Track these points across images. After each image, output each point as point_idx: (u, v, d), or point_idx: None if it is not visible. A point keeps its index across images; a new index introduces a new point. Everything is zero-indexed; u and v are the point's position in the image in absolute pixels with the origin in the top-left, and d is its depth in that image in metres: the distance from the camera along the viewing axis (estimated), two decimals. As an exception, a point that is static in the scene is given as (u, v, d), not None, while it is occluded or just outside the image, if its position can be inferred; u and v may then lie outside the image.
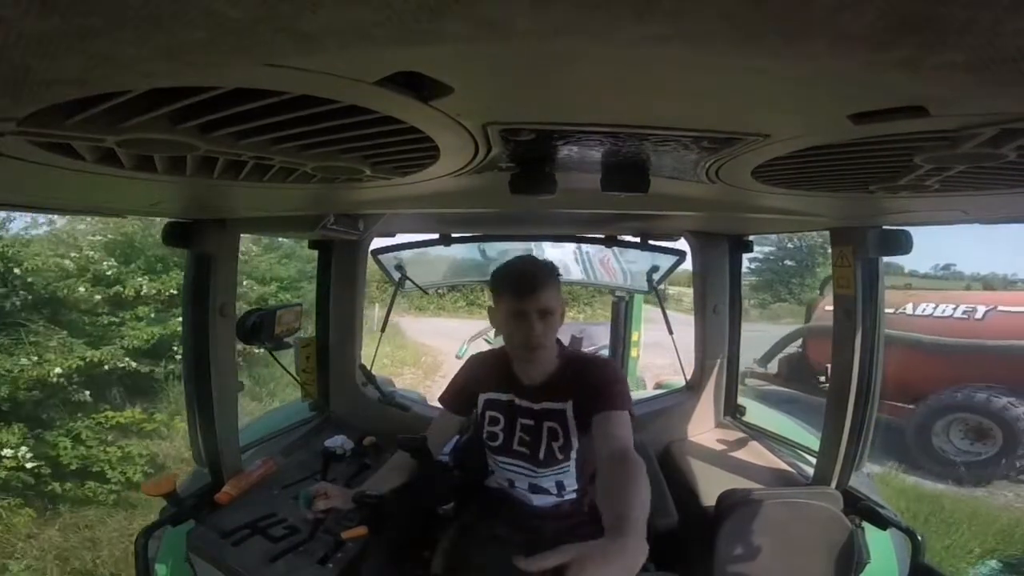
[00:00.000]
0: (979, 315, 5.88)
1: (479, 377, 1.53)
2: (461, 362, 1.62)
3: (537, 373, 1.42)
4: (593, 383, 1.33)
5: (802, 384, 6.98)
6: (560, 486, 1.42)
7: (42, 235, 6.57)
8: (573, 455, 1.39)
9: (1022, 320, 5.55)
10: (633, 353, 5.38)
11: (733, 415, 2.30)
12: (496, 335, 7.45)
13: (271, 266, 7.88)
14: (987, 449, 5.45)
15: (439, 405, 1.61)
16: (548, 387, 1.41)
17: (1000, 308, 5.84)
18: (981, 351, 5.56)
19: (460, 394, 1.54)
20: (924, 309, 6.25)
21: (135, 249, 6.63)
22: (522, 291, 1.32)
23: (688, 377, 2.40)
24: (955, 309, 6.11)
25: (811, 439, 1.96)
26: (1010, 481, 5.33)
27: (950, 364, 5.65)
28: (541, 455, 1.40)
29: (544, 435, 1.40)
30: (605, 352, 5.78)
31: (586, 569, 0.85)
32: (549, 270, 1.38)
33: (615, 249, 2.99)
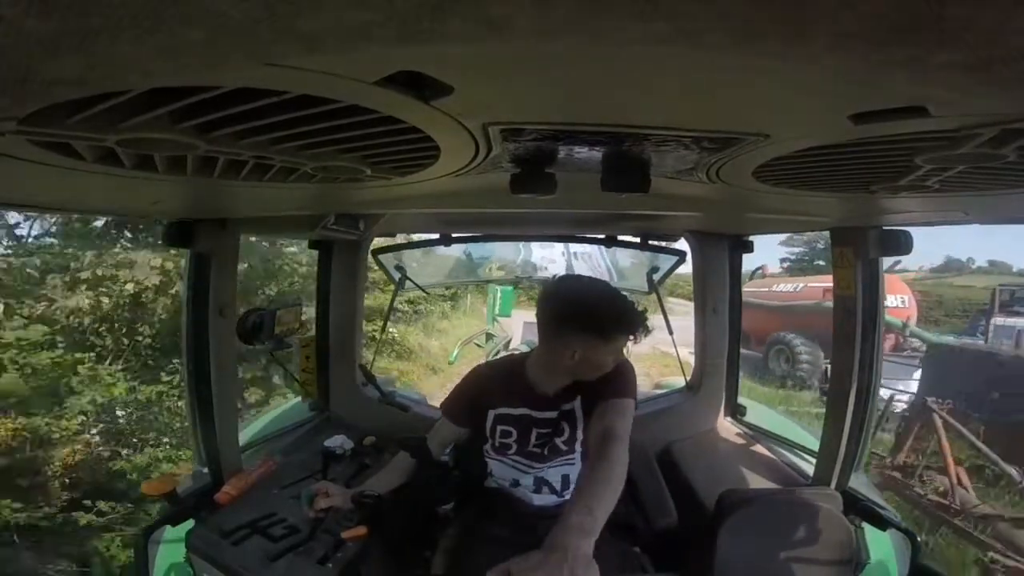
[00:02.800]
0: (799, 289, 10.68)
1: (488, 392, 1.47)
2: (455, 367, 1.62)
3: (560, 383, 1.41)
4: (600, 377, 1.33)
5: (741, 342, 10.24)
6: (565, 481, 1.43)
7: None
8: (578, 447, 1.40)
9: (815, 290, 9.70)
10: None
11: (733, 415, 2.30)
12: (488, 340, 7.49)
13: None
14: (789, 368, 9.50)
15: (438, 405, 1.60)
16: (564, 391, 1.41)
17: (809, 284, 10.53)
18: (790, 309, 10.07)
19: (465, 407, 1.50)
20: (780, 287, 11.18)
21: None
22: (636, 330, 1.30)
23: (689, 375, 2.40)
24: (793, 286, 11.02)
25: (811, 439, 1.96)
26: (819, 387, 8.20)
27: (779, 318, 9.96)
28: (547, 451, 1.41)
29: (562, 432, 1.41)
30: None
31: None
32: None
33: (601, 248, 3.00)
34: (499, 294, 7.68)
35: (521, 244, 3.36)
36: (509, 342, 7.46)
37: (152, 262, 5.93)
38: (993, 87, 0.37)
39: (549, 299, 1.35)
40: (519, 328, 8.06)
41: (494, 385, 1.47)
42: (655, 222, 1.99)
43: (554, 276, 1.51)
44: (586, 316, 1.29)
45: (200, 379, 1.43)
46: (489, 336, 7.64)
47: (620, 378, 1.33)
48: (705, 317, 2.23)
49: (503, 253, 3.35)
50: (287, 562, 1.26)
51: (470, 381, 1.55)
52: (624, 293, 1.38)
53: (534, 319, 1.43)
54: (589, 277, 1.47)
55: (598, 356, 1.29)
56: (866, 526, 1.48)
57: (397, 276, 2.46)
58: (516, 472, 1.46)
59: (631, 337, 1.31)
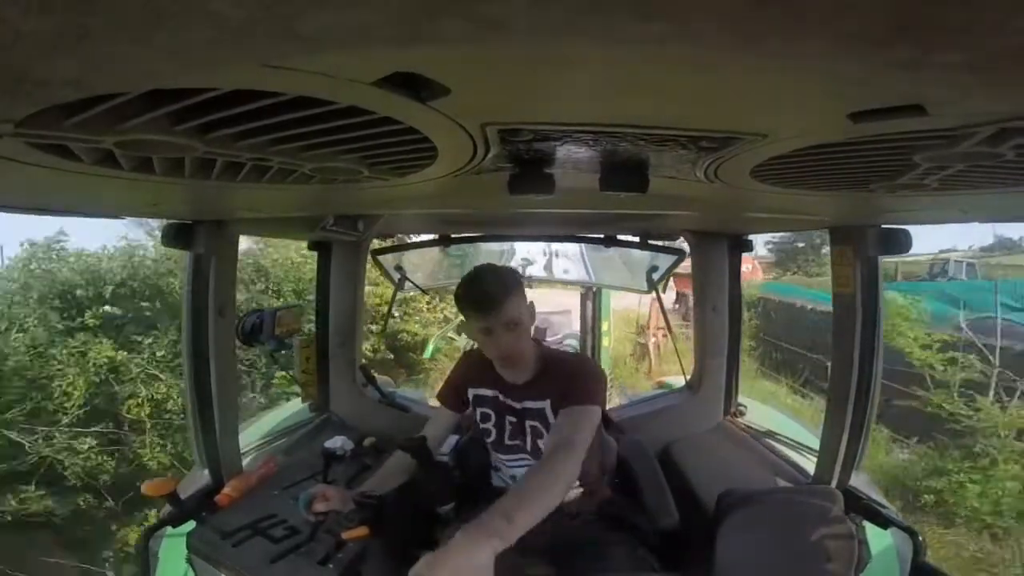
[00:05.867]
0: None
1: (469, 374, 1.55)
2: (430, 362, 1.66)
3: (518, 374, 1.43)
4: (568, 380, 1.33)
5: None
6: None
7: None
8: None
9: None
10: (604, 342, 5.52)
11: (733, 415, 2.30)
12: (459, 332, 7.60)
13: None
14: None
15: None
16: (529, 386, 1.42)
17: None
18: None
19: (454, 391, 1.57)
20: None
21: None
22: (483, 309, 1.31)
23: (688, 376, 2.40)
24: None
25: (811, 438, 1.96)
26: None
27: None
28: (529, 448, 1.42)
29: (528, 432, 1.42)
30: (573, 342, 5.80)
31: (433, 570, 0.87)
32: (508, 280, 1.36)
33: (582, 247, 3.03)
34: None
35: (506, 244, 3.41)
36: None
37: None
38: (992, 87, 0.37)
39: None
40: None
41: (475, 367, 1.54)
42: (654, 222, 1.99)
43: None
44: (457, 298, 1.40)
45: (200, 380, 1.43)
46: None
47: (587, 383, 1.32)
48: (704, 316, 2.23)
49: (489, 253, 3.41)
50: (288, 563, 1.26)
51: (457, 366, 1.64)
52: (510, 270, 1.43)
53: None
54: (494, 265, 1.50)
55: (475, 334, 1.38)
56: (867, 524, 1.48)
57: (396, 276, 2.47)
58: (511, 468, 1.47)
59: (477, 316, 1.32)
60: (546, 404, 1.39)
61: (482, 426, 1.49)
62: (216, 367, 1.42)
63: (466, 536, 0.92)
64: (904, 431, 5.70)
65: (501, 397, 1.46)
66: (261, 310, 1.79)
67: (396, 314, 6.86)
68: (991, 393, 5.06)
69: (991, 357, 5.21)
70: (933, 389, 5.27)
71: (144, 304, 4.88)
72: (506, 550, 1.34)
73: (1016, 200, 0.89)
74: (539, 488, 1.04)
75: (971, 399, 4.98)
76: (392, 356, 7.05)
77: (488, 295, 1.32)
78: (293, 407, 2.42)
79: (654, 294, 2.69)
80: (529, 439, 1.42)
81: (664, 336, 9.91)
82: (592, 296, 4.82)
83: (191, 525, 1.38)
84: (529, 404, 1.41)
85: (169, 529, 1.40)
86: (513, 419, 1.44)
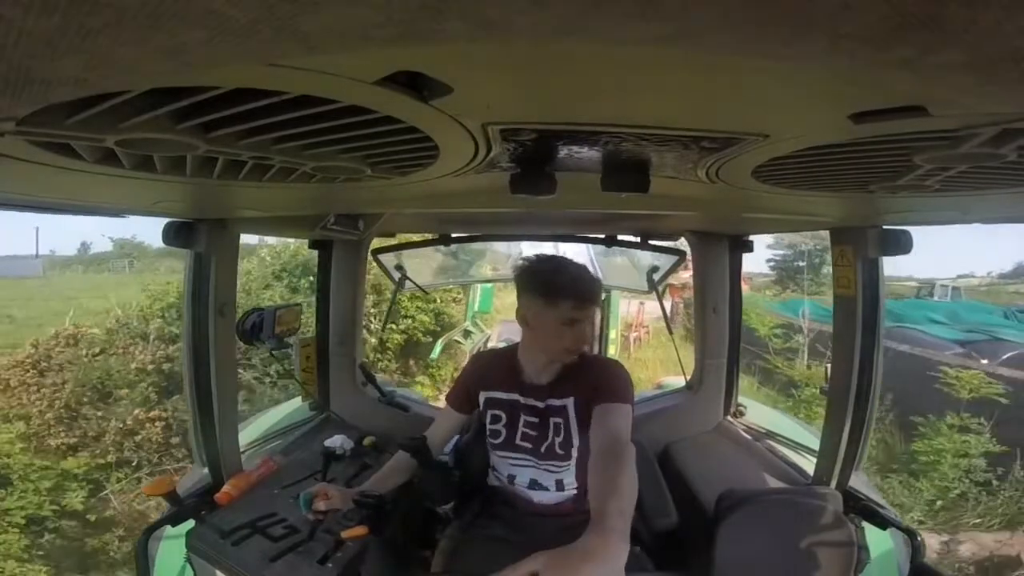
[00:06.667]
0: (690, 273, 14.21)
1: (482, 376, 1.52)
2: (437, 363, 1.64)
3: (549, 373, 1.42)
4: (596, 379, 1.33)
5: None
6: (560, 484, 1.42)
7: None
8: (574, 453, 1.40)
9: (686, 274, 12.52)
10: (611, 350, 5.55)
11: (733, 415, 2.30)
12: (467, 336, 7.62)
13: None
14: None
15: (439, 406, 1.61)
16: (554, 385, 1.41)
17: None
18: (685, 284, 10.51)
19: (463, 392, 1.55)
20: (686, 274, 15.13)
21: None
22: (586, 300, 1.30)
23: (688, 376, 2.40)
24: (689, 273, 15.11)
25: (811, 439, 1.96)
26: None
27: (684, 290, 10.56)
28: (543, 449, 1.41)
29: (550, 431, 1.41)
30: None
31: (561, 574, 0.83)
32: (596, 276, 1.37)
33: (589, 248, 3.04)
34: (478, 291, 7.75)
35: (511, 244, 3.41)
36: (488, 339, 7.65)
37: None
38: (993, 87, 0.37)
39: (516, 268, 1.40)
40: (497, 326, 8.45)
41: (489, 369, 1.52)
42: (655, 222, 1.99)
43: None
44: (530, 275, 1.33)
45: (200, 379, 1.43)
46: (468, 333, 7.73)
47: (616, 382, 1.32)
48: (705, 317, 2.23)
49: (494, 254, 3.40)
50: (287, 562, 1.26)
51: (468, 367, 1.61)
52: (591, 271, 1.38)
53: (512, 318, 1.45)
54: (562, 256, 1.47)
55: (547, 322, 1.31)
56: (866, 525, 1.48)
57: (397, 276, 2.47)
58: (511, 468, 1.46)
59: (579, 307, 1.29)
60: (569, 401, 1.39)
61: (491, 427, 1.47)
62: (216, 365, 1.42)
63: (600, 540, 0.88)
64: (758, 379, 8.34)
65: (521, 400, 1.44)
66: (261, 309, 1.79)
67: (437, 299, 7.86)
68: (804, 358, 7.76)
69: (804, 335, 7.93)
70: (773, 354, 7.76)
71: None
72: (498, 550, 1.35)
73: (1018, 201, 0.89)
74: (626, 483, 1.03)
75: (792, 361, 7.69)
76: (440, 328, 8.03)
77: (595, 289, 1.32)
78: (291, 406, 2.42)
79: (641, 299, 2.71)
80: (549, 438, 1.41)
81: (646, 333, 11.00)
82: (600, 302, 4.85)
83: (191, 524, 1.38)
84: (553, 402, 1.40)
85: (168, 528, 1.40)
86: (534, 419, 1.42)
